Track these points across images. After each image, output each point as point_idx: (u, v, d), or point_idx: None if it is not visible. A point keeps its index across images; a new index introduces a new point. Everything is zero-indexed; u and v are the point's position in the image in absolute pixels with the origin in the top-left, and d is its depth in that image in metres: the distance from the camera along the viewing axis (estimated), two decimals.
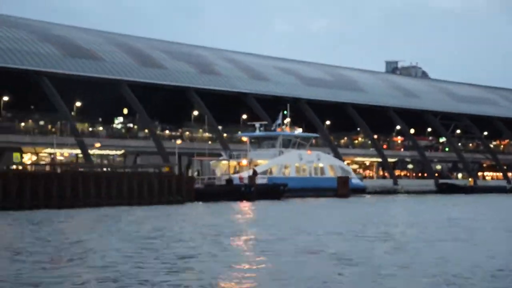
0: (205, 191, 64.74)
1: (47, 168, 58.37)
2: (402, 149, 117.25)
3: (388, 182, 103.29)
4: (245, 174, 70.12)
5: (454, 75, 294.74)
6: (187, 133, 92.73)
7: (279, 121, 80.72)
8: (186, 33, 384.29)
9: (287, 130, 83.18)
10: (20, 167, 61.45)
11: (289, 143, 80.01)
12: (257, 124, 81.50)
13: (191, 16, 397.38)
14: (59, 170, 53.90)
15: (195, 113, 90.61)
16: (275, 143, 79.03)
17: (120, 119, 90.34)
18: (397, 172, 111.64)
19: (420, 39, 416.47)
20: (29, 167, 60.21)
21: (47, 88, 73.37)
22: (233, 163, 75.11)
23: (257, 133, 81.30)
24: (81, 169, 56.59)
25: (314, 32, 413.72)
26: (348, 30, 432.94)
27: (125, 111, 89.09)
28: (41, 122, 79.23)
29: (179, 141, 78.56)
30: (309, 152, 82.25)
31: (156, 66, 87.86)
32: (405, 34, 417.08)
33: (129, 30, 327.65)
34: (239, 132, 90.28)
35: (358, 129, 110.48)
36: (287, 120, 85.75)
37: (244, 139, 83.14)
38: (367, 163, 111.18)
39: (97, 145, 75.13)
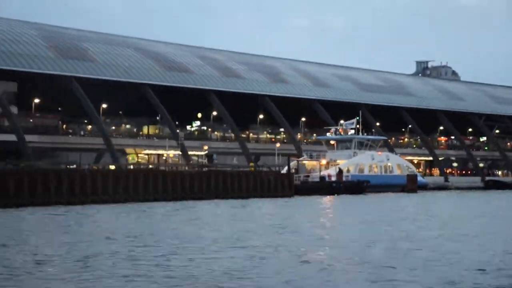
0: (302, 187, 74.89)
1: (163, 167, 69.24)
2: (446, 148, 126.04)
3: (439, 179, 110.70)
4: (332, 171, 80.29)
5: (483, 75, 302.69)
6: (251, 134, 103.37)
7: (352, 125, 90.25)
8: (201, 33, 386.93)
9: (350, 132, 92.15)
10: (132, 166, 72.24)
11: (362, 145, 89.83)
12: (332, 129, 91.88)
13: (208, 16, 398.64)
14: (185, 168, 65.81)
15: (261, 116, 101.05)
16: (350, 145, 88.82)
17: (197, 122, 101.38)
18: None
19: (445, 37, 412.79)
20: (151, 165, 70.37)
21: (152, 99, 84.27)
22: (313, 162, 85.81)
23: (335, 136, 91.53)
24: (206, 169, 67.69)
25: (334, 29, 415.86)
26: (368, 26, 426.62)
27: (199, 115, 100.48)
28: (145, 127, 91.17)
29: (278, 144, 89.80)
30: (379, 153, 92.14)
31: (235, 76, 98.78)
32: (429, 31, 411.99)
33: (148, 32, 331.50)
34: (314, 135, 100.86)
35: (403, 129, 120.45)
36: (352, 122, 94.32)
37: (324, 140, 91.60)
38: (415, 161, 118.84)
39: (205, 147, 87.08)
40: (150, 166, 68.80)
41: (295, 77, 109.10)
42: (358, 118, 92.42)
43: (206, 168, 68.08)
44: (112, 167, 65.85)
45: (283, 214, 43.07)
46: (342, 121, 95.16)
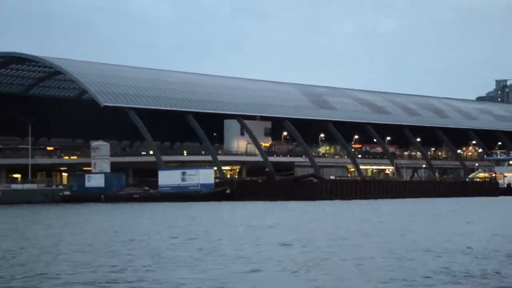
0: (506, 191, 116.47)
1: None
2: None
3: None
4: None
5: None
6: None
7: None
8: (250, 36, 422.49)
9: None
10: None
11: None
12: (498, 151, 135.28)
13: (258, 22, 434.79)
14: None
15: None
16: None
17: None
18: None
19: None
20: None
21: (290, 128, 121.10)
22: (486, 174, 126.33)
23: (499, 157, 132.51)
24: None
25: (382, 33, 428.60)
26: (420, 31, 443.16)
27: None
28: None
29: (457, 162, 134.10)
30: None
31: (383, 112, 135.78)
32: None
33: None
34: (485, 156, 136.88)
35: None
36: None
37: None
38: None
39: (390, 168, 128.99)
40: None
41: (391, 108, 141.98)
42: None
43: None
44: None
45: None
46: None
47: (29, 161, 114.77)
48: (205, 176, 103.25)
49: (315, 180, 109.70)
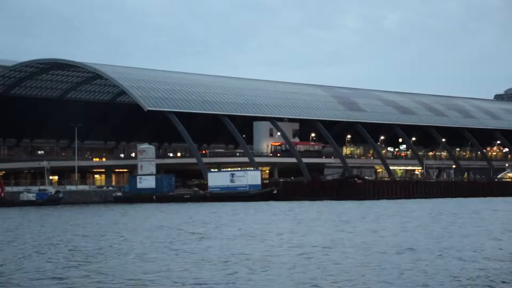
0: None
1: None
2: None
3: None
4: None
5: None
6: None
7: None
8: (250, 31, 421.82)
9: None
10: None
11: None
12: None
13: (262, 16, 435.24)
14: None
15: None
16: None
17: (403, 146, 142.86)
18: None
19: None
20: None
21: (321, 129, 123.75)
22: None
23: None
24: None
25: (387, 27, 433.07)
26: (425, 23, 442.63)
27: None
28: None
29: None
30: None
31: (409, 113, 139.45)
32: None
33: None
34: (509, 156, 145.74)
35: None
36: None
37: None
38: None
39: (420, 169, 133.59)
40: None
41: (419, 109, 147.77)
42: None
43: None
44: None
45: None
46: None
47: (76, 163, 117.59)
48: (253, 178, 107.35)
49: (358, 180, 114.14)
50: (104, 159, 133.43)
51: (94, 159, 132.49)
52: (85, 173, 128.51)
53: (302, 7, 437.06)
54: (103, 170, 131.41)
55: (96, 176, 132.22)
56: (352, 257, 26.96)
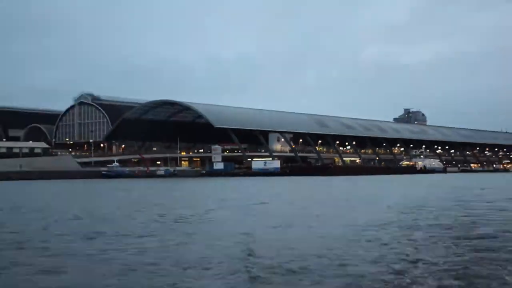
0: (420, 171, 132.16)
1: None
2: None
3: None
4: None
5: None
6: None
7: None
8: None
9: None
10: None
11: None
12: (414, 151, 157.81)
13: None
14: None
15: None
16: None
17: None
18: None
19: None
20: None
21: (308, 138, 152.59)
22: (408, 162, 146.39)
23: (416, 153, 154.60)
24: None
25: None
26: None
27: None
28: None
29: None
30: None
31: (352, 128, 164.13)
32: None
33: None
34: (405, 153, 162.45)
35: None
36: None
37: None
38: None
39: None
40: None
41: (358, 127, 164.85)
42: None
43: None
44: None
45: None
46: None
47: (178, 155, 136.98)
48: (276, 164, 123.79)
49: (332, 165, 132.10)
50: (190, 153, 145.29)
51: (182, 153, 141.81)
52: (179, 160, 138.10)
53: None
54: (187, 159, 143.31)
55: (183, 162, 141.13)
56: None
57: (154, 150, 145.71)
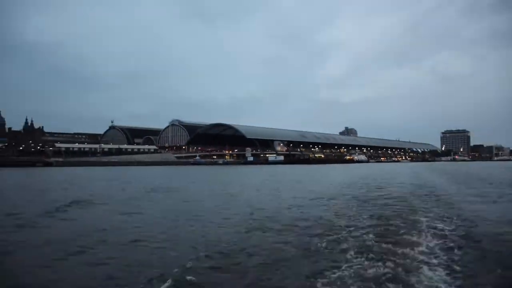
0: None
1: None
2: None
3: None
4: None
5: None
6: None
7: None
8: None
9: None
10: None
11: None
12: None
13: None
14: None
15: None
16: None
17: None
18: None
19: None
20: None
21: (295, 143, 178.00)
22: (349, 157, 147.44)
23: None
24: None
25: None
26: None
27: None
28: None
29: None
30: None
31: (324, 139, 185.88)
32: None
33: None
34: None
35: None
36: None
37: None
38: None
39: None
40: None
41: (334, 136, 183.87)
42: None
43: None
44: None
45: None
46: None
47: (225, 153, 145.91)
48: (281, 157, 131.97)
49: (309, 159, 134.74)
50: (230, 151, 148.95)
51: (227, 151, 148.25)
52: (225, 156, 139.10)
53: None
54: (229, 155, 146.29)
55: (226, 157, 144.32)
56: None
57: (212, 150, 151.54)
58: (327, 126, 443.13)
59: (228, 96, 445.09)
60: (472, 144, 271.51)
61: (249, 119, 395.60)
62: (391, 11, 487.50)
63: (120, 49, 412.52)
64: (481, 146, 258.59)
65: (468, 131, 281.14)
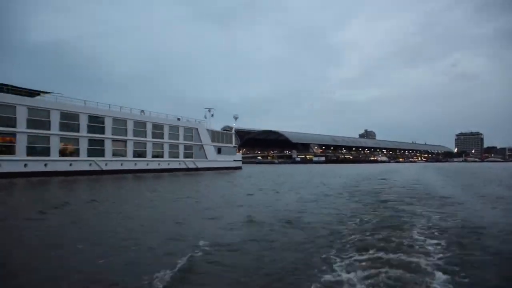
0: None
1: None
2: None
3: None
4: None
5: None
6: None
7: None
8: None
9: None
10: None
11: None
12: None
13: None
14: None
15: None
16: None
17: None
18: None
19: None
20: None
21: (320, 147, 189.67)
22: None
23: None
24: None
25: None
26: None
27: None
28: None
29: None
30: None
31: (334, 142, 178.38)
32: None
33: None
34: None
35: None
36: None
37: None
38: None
39: None
40: None
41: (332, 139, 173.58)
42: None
43: None
44: None
45: None
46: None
47: (271, 154, 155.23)
48: (323, 158, 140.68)
49: (339, 159, 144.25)
50: (276, 152, 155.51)
51: (272, 152, 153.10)
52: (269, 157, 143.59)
53: None
54: (272, 157, 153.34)
55: (270, 158, 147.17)
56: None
57: (259, 152, 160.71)
58: (343, 126, 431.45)
59: (241, 96, 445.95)
60: (485, 145, 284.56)
61: (262, 120, 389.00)
62: (403, 11, 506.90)
63: (131, 50, 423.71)
64: (495, 147, 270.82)
65: (481, 134, 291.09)
